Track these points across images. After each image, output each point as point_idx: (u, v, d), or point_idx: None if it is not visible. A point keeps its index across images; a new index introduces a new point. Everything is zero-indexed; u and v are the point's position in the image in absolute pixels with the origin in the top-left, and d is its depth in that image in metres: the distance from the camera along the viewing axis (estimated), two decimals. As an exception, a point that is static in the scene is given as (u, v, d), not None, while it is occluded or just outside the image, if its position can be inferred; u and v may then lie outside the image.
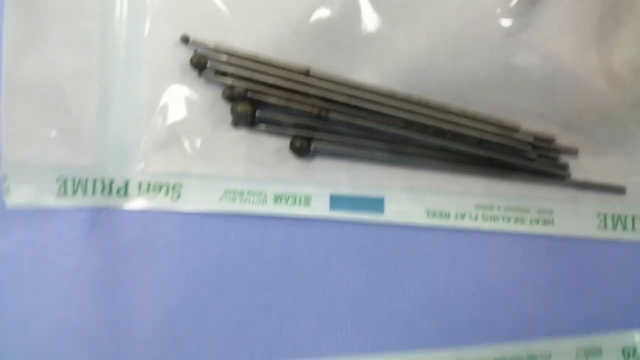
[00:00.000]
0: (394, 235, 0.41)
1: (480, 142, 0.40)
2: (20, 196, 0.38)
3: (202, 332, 0.39)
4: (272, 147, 0.41)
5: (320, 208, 0.41)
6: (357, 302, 0.40)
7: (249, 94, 0.39)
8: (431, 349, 0.39)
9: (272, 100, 0.39)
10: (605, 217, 0.41)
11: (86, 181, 0.40)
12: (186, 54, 0.39)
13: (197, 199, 0.41)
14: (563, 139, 0.41)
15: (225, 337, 0.39)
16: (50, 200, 0.39)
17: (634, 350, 0.39)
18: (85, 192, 0.40)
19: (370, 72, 0.40)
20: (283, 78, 0.39)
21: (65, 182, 0.39)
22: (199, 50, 0.40)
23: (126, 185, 0.40)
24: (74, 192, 0.40)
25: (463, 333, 0.40)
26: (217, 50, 0.40)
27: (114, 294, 0.40)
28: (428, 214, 0.41)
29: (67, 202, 0.40)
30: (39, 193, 0.39)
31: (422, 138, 0.40)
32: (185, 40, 0.39)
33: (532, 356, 0.39)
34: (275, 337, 0.39)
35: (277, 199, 0.41)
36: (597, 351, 0.39)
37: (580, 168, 0.41)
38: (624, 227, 0.41)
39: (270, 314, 0.40)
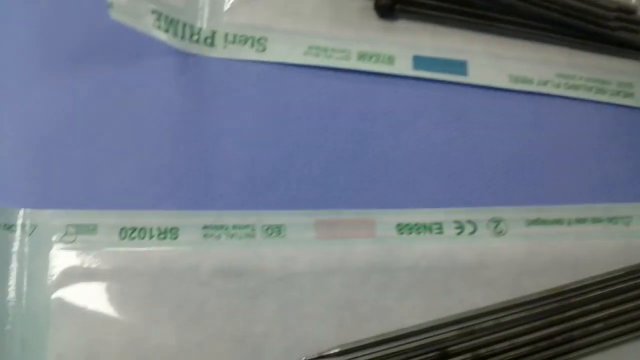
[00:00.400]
0: (477, 96, 0.40)
1: (564, 7, 0.40)
2: (121, 13, 0.39)
3: (285, 177, 0.39)
4: (356, 6, 0.41)
5: (403, 67, 0.41)
6: (438, 158, 0.40)
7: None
8: (511, 206, 0.39)
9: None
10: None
11: (177, 22, 0.40)
12: None
13: (282, 53, 0.41)
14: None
15: (307, 184, 0.39)
16: (147, 26, 0.39)
17: None
18: (175, 33, 0.40)
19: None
20: None
21: (160, 16, 0.40)
22: None
23: (213, 35, 0.41)
24: (166, 30, 0.40)
25: (543, 192, 0.39)
26: None
27: (201, 137, 0.39)
28: (510, 79, 0.41)
29: (160, 36, 0.40)
30: (138, 17, 0.39)
31: (506, 2, 0.40)
32: None
33: (613, 219, 0.38)
34: (357, 186, 0.39)
35: (361, 56, 0.41)
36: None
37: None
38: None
39: (352, 164, 0.39)
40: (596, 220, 0.38)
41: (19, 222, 0.35)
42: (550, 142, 0.40)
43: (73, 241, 0.36)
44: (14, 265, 0.35)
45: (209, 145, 0.39)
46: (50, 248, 0.36)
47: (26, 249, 0.35)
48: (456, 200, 0.38)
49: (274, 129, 0.40)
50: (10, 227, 0.35)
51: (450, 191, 0.39)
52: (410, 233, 0.37)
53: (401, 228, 0.37)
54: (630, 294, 0.35)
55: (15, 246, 0.35)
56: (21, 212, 0.36)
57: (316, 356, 0.34)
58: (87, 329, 0.34)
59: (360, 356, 0.34)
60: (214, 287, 0.35)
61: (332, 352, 0.34)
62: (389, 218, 0.37)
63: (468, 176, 0.39)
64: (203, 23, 0.40)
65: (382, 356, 0.34)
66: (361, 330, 0.35)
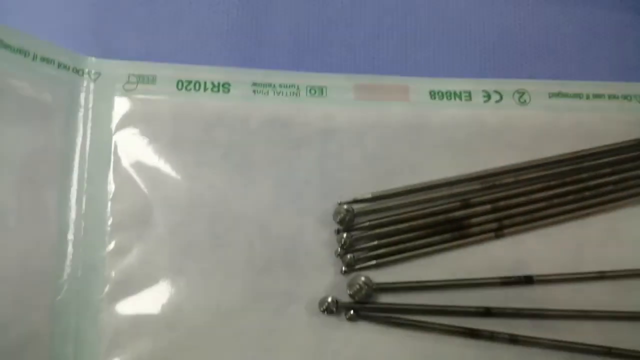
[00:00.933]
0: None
1: None
2: None
3: (329, 43, 0.42)
4: None
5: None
6: (470, 32, 0.41)
7: None
8: (533, 79, 0.41)
9: None
10: None
11: None
12: None
13: None
14: None
15: (348, 51, 0.42)
16: None
17: None
18: None
19: None
20: None
21: None
22: None
23: None
24: None
25: (566, 69, 0.41)
26: None
27: (254, 1, 0.42)
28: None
29: None
30: None
31: None
32: None
33: (627, 96, 0.40)
34: (394, 56, 0.41)
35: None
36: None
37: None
38: None
39: (390, 34, 0.42)
40: (612, 97, 0.39)
41: (87, 69, 0.38)
42: (576, 23, 0.41)
43: (134, 89, 0.38)
44: (81, 107, 0.37)
45: (260, 9, 0.41)
46: (113, 94, 0.38)
47: (91, 95, 0.38)
48: (485, 72, 0.40)
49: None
50: (78, 72, 0.37)
51: (480, 64, 0.40)
52: (442, 99, 0.39)
53: (433, 94, 0.39)
54: (638, 162, 0.38)
55: (83, 90, 0.37)
56: (89, 59, 0.38)
57: (351, 200, 0.37)
58: (145, 168, 0.37)
59: (391, 203, 0.37)
60: (261, 135, 0.38)
61: (365, 197, 0.37)
62: (422, 85, 0.39)
63: (497, 50, 0.41)
64: None
65: (410, 202, 0.37)
66: (392, 181, 0.37)
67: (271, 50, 0.40)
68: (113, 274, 0.35)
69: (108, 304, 0.35)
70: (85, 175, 0.36)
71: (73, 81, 0.37)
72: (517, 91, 0.38)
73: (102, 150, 0.37)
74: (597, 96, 0.39)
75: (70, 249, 0.35)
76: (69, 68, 0.37)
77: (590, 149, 0.37)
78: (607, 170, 0.37)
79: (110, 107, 0.38)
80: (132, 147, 0.37)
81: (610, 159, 0.37)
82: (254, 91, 0.38)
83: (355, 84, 0.38)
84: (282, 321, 0.35)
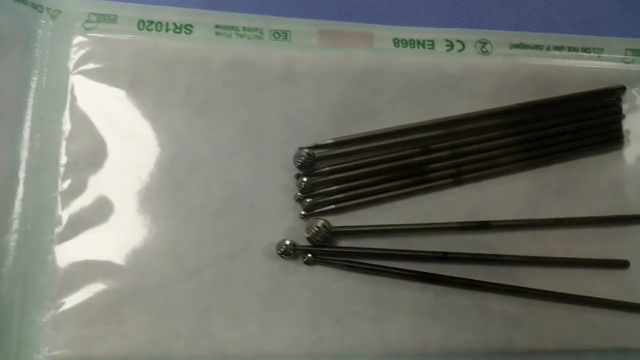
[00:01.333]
0: None
1: None
2: None
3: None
4: None
5: None
6: None
7: None
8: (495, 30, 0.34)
9: None
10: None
11: None
12: None
13: None
14: None
15: None
16: None
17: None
18: None
19: None
20: None
21: None
22: None
23: None
24: None
25: (527, 20, 0.35)
26: None
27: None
28: None
29: None
30: None
31: None
32: None
33: (587, 49, 0.34)
34: (359, 2, 0.34)
35: None
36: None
37: None
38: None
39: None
40: (572, 49, 0.34)
41: (46, 4, 0.31)
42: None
43: (94, 28, 0.31)
44: (38, 44, 0.30)
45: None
46: (73, 33, 0.31)
47: (50, 32, 0.31)
48: (448, 21, 0.33)
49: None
50: (37, 7, 0.30)
51: (443, 13, 0.34)
52: (406, 47, 0.33)
53: (397, 42, 0.33)
54: (595, 112, 0.31)
55: (41, 27, 0.30)
56: None
57: (312, 145, 0.30)
58: (102, 108, 0.30)
59: (352, 148, 0.30)
60: (223, 77, 0.31)
61: (326, 142, 0.30)
62: (387, 32, 0.33)
63: (460, 1, 0.34)
64: None
65: (371, 148, 0.30)
66: (354, 127, 0.31)
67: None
68: (65, 214, 0.29)
69: (59, 245, 0.28)
70: (40, 113, 0.29)
71: (31, 17, 0.30)
72: (479, 41, 0.32)
73: (59, 89, 0.30)
74: (557, 48, 0.33)
75: (20, 187, 0.29)
76: (27, 2, 0.30)
77: (548, 99, 0.31)
78: (565, 119, 0.30)
79: (68, 45, 0.31)
80: (90, 87, 0.30)
81: (568, 109, 0.30)
82: (217, 33, 0.32)
83: (319, 29, 0.32)
84: (238, 265, 0.29)
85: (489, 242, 0.30)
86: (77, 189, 0.29)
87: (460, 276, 0.30)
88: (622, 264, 0.31)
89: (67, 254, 0.28)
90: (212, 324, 0.28)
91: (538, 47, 0.33)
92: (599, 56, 0.33)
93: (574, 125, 0.32)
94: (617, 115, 0.33)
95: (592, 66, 0.33)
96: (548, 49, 0.33)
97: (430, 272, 0.29)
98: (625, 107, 0.33)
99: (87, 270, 0.28)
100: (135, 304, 0.28)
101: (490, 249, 0.30)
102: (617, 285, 0.31)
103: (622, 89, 0.33)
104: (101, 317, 0.28)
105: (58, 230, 0.29)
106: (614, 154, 0.33)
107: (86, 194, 0.29)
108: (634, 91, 0.33)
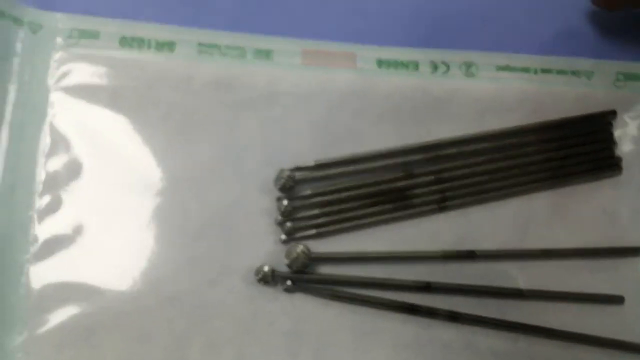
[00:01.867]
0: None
1: None
2: None
3: (277, 5, 0.32)
4: None
5: None
6: (418, 2, 0.32)
7: None
8: (481, 51, 0.32)
9: None
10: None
11: None
12: None
13: None
14: None
15: (296, 14, 0.32)
16: None
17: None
18: None
19: None
20: None
21: None
22: None
23: None
24: None
25: (513, 41, 0.32)
26: None
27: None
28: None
29: None
30: None
31: None
32: None
33: (576, 72, 0.32)
34: (342, 22, 0.32)
35: None
36: (636, 77, 0.32)
37: None
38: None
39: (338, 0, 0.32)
40: (560, 72, 0.32)
41: (27, 19, 0.29)
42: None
43: (76, 44, 0.30)
44: (18, 59, 0.29)
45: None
46: (54, 48, 0.29)
47: (30, 47, 0.29)
48: (432, 43, 0.31)
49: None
50: (17, 21, 0.29)
51: (427, 35, 0.32)
52: (389, 68, 0.31)
53: (381, 63, 0.31)
54: (586, 138, 0.29)
55: (21, 41, 0.29)
56: (29, 9, 0.29)
57: (293, 167, 0.28)
58: (81, 125, 0.29)
59: (334, 171, 0.28)
60: (204, 96, 0.29)
61: (307, 164, 0.28)
62: (370, 53, 0.31)
63: (445, 22, 0.32)
64: None
65: (353, 171, 0.28)
66: (336, 149, 0.29)
67: (218, 10, 0.31)
68: (41, 233, 0.27)
69: (33, 266, 0.26)
70: (18, 129, 0.28)
71: (11, 30, 0.29)
72: (465, 63, 0.30)
73: (38, 104, 0.28)
74: (545, 71, 0.31)
75: (-5, 205, 0.26)
76: (7, 16, 0.28)
77: (536, 123, 0.29)
78: (554, 145, 0.28)
79: (49, 60, 0.29)
80: (70, 103, 0.29)
81: (557, 134, 0.28)
82: (199, 51, 0.30)
83: (303, 49, 0.30)
84: (215, 291, 0.27)
85: (474, 273, 0.28)
86: (54, 207, 0.27)
87: (444, 307, 0.27)
88: (617, 300, 0.28)
89: (41, 275, 0.27)
90: (187, 351, 0.26)
91: (525, 69, 0.31)
92: (589, 80, 0.31)
93: (563, 151, 0.30)
94: (609, 142, 0.30)
95: (582, 90, 0.31)
96: (535, 71, 0.31)
97: (414, 302, 0.27)
98: (616, 133, 0.31)
99: (62, 293, 0.26)
100: (110, 329, 0.26)
101: (476, 279, 0.28)
102: (612, 322, 0.28)
103: (613, 113, 0.31)
104: (74, 342, 0.26)
105: (33, 249, 0.27)
106: (606, 182, 0.30)
107: (63, 213, 0.27)
108: (625, 117, 0.31)
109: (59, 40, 0.29)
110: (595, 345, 0.27)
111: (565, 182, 0.30)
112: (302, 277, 0.27)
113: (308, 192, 0.28)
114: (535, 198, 0.29)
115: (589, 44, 0.32)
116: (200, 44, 0.30)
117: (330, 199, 0.28)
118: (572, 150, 0.30)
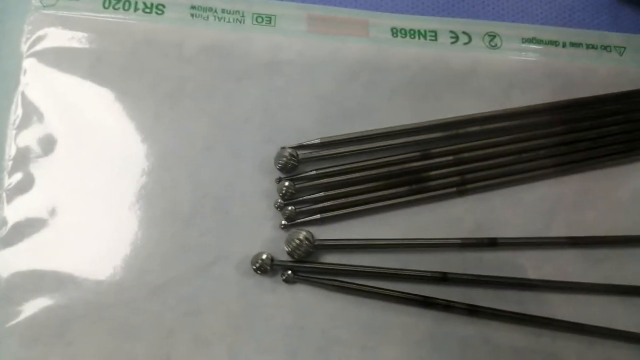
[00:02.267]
0: None
1: None
2: None
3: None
4: None
5: None
6: None
7: None
8: (506, 22, 0.29)
9: None
10: None
11: None
12: None
13: None
14: None
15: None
16: None
17: None
18: None
19: None
20: None
21: None
22: None
23: None
24: None
25: (541, 13, 0.29)
26: None
27: None
28: None
29: None
30: None
31: None
32: None
33: (607, 47, 0.29)
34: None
35: None
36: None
37: None
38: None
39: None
40: (591, 47, 0.29)
41: None
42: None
43: (53, 5, 0.26)
44: None
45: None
46: (27, 10, 0.26)
47: (1, 7, 0.26)
48: (453, 11, 0.28)
49: None
50: None
51: (447, 2, 0.29)
52: (405, 37, 0.27)
53: (396, 32, 0.27)
54: (618, 117, 0.26)
55: None
56: None
57: (296, 145, 0.25)
58: (58, 96, 0.25)
59: (342, 150, 0.25)
60: (197, 64, 0.26)
61: (312, 142, 0.25)
62: (384, 20, 0.27)
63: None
64: None
65: (363, 150, 0.24)
66: (344, 125, 0.26)
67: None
68: (11, 215, 0.24)
69: (2, 252, 0.23)
70: None
71: None
72: (488, 34, 0.27)
73: (9, 72, 0.25)
74: (574, 45, 0.28)
75: (-41, 182, 0.23)
76: None
77: (564, 101, 0.26)
78: (584, 124, 0.24)
79: (22, 23, 0.26)
80: (45, 71, 0.25)
81: (587, 113, 0.24)
82: (192, 15, 0.27)
83: (309, 14, 0.27)
84: (207, 281, 0.24)
85: (495, 262, 0.25)
86: (25, 187, 0.24)
87: (461, 301, 0.24)
88: (647, 292, 0.25)
89: (10, 261, 0.23)
90: (174, 348, 0.23)
91: (553, 42, 0.28)
92: (620, 56, 0.28)
93: (594, 131, 0.26)
94: (643, 121, 0.27)
95: (613, 66, 0.28)
96: (564, 45, 0.28)
97: (428, 295, 0.24)
98: (651, 112, 0.28)
99: (33, 282, 0.23)
100: (86, 322, 0.23)
101: (496, 270, 0.25)
102: (640, 316, 0.25)
103: (647, 91, 0.28)
104: (47, 337, 0.23)
105: (1, 233, 0.23)
106: (638, 164, 0.27)
107: (35, 193, 0.24)
108: (659, 95, 0.28)
109: (33, 0, 0.26)
110: (624, 341, 0.25)
111: (594, 165, 0.26)
112: (304, 267, 0.24)
113: (312, 172, 0.25)
114: (563, 181, 0.26)
115: (621, 18, 0.29)
116: (193, 7, 0.27)
117: (337, 181, 0.25)
118: (604, 130, 0.26)
